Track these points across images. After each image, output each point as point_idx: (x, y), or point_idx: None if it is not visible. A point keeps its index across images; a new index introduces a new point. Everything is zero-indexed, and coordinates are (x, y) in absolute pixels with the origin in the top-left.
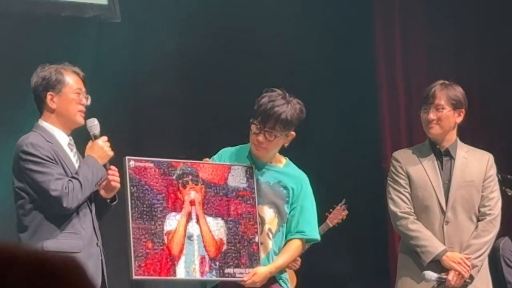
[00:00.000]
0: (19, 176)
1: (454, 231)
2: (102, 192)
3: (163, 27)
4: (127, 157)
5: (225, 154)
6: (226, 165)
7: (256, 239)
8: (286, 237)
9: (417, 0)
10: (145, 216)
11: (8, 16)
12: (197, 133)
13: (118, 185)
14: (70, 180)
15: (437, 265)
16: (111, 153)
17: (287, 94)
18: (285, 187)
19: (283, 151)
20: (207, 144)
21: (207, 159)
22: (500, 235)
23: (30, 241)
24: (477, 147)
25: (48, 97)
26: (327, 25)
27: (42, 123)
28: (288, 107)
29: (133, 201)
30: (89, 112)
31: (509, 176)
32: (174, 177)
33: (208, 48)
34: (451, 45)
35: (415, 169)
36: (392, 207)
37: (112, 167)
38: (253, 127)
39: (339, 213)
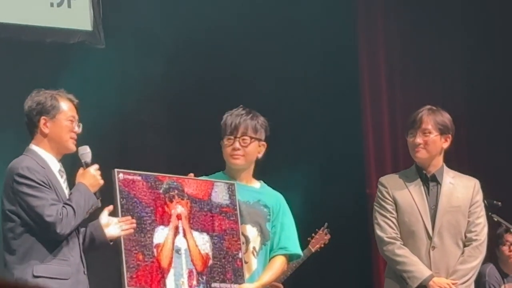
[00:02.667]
0: (11, 199)
1: (440, 256)
2: (110, 233)
3: (149, 53)
4: (116, 170)
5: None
6: (209, 181)
7: (240, 255)
8: (269, 255)
9: (402, 23)
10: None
11: None
12: (183, 158)
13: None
14: (64, 206)
15: None
16: (101, 182)
17: (247, 109)
18: (265, 206)
19: (260, 176)
20: (193, 170)
21: (191, 174)
22: (486, 260)
23: (19, 265)
24: (463, 172)
25: (42, 121)
26: (311, 58)
27: (34, 147)
28: (253, 116)
29: (123, 213)
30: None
31: (495, 202)
32: (161, 191)
33: (194, 74)
34: (437, 71)
35: (401, 194)
36: (378, 232)
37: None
38: (225, 141)
39: (321, 238)
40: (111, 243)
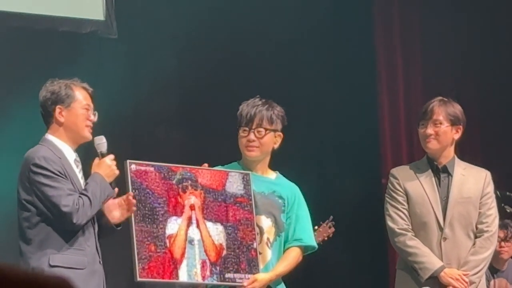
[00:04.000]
0: (27, 189)
1: (451, 247)
2: (110, 216)
3: (162, 44)
4: (128, 161)
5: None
6: (224, 171)
7: (254, 245)
8: (284, 246)
9: (417, 15)
10: (147, 219)
11: (6, 30)
12: (195, 150)
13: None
14: (80, 196)
15: (435, 281)
16: (117, 172)
17: (266, 100)
18: (280, 197)
19: (276, 167)
20: (206, 161)
21: (206, 164)
22: None
23: (35, 255)
24: (476, 164)
25: (57, 110)
26: (326, 42)
27: (50, 137)
28: (269, 107)
29: (135, 204)
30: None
31: (508, 193)
32: (174, 182)
33: (207, 65)
34: (451, 62)
35: (412, 185)
36: (390, 223)
37: None
38: (240, 132)
39: (324, 231)
40: (118, 228)
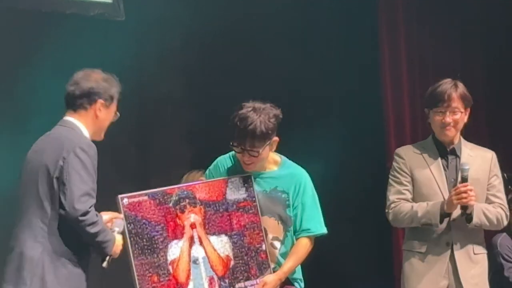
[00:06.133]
0: (57, 167)
1: (458, 228)
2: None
3: (168, 25)
4: (119, 196)
5: (220, 164)
6: (222, 180)
7: (263, 247)
8: (294, 237)
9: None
10: (146, 251)
11: (13, 12)
12: (202, 130)
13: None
14: (97, 214)
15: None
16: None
17: (257, 106)
18: (283, 191)
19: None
20: (213, 142)
21: (203, 175)
22: (498, 231)
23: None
24: (483, 145)
25: (98, 104)
26: (332, 26)
27: (78, 123)
28: (260, 119)
29: (132, 238)
30: None
31: None
32: (171, 205)
33: (213, 46)
34: (456, 43)
35: (419, 166)
36: (389, 195)
37: None
38: (235, 148)
39: None
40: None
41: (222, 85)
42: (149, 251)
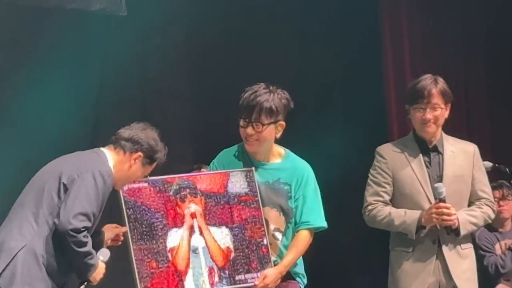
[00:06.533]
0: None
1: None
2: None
3: (170, 20)
4: None
5: (225, 157)
6: (224, 172)
7: (265, 241)
8: (295, 229)
9: None
10: (145, 237)
11: (15, 7)
12: (205, 126)
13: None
14: (88, 236)
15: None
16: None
17: (271, 86)
18: (286, 183)
19: (283, 144)
20: (215, 137)
21: (206, 167)
22: None
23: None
24: (486, 142)
25: (136, 155)
26: (333, 26)
27: (111, 162)
28: (271, 96)
29: (131, 224)
30: (96, 102)
31: (506, 169)
32: (171, 193)
33: (216, 41)
34: (458, 39)
35: (401, 166)
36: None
37: None
38: (240, 122)
39: None
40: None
41: (226, 80)
42: (148, 237)
